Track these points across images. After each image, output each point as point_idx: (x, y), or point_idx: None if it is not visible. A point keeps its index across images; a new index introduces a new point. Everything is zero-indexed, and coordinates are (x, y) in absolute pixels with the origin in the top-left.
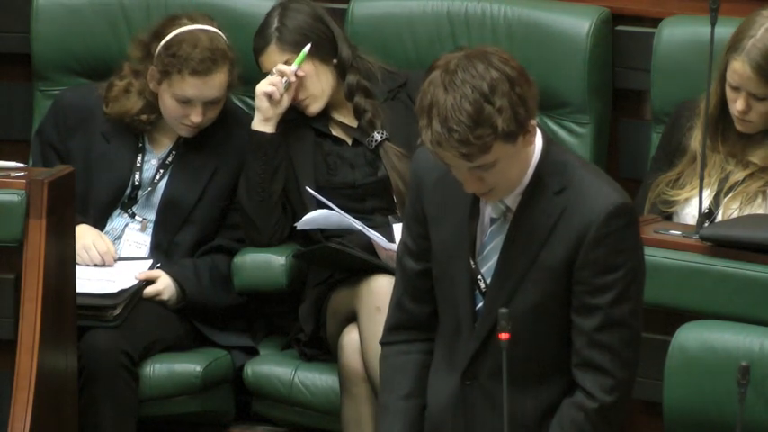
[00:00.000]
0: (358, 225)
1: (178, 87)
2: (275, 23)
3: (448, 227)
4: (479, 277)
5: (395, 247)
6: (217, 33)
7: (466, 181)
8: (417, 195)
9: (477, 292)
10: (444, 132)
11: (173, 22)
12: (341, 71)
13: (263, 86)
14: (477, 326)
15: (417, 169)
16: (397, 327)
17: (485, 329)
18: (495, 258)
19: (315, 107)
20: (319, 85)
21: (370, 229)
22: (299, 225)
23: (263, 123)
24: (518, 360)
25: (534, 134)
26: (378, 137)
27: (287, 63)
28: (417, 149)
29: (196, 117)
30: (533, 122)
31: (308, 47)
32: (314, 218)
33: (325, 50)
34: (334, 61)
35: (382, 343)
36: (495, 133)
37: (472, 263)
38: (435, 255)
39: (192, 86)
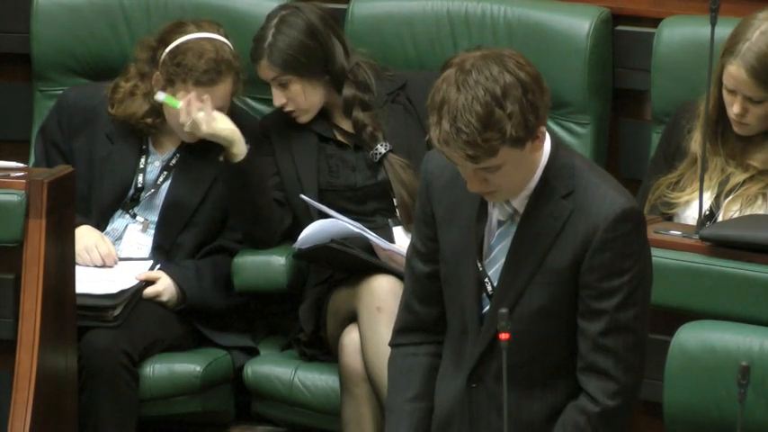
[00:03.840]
0: (355, 228)
1: (182, 97)
2: (269, 38)
3: (456, 229)
4: (486, 280)
5: (394, 247)
6: (222, 42)
7: (470, 180)
8: (427, 197)
9: (485, 294)
10: (453, 132)
11: (179, 28)
12: (335, 85)
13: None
14: (484, 328)
15: (427, 172)
16: (405, 329)
17: (491, 332)
18: (502, 261)
19: (304, 118)
20: (306, 102)
21: (367, 230)
22: (299, 245)
23: (236, 156)
24: (524, 363)
25: (543, 140)
26: (381, 149)
27: (274, 80)
28: (427, 153)
29: None
30: (543, 129)
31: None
32: (312, 233)
33: (314, 69)
34: (326, 77)
35: (390, 345)
36: (503, 138)
37: (479, 265)
38: (443, 257)
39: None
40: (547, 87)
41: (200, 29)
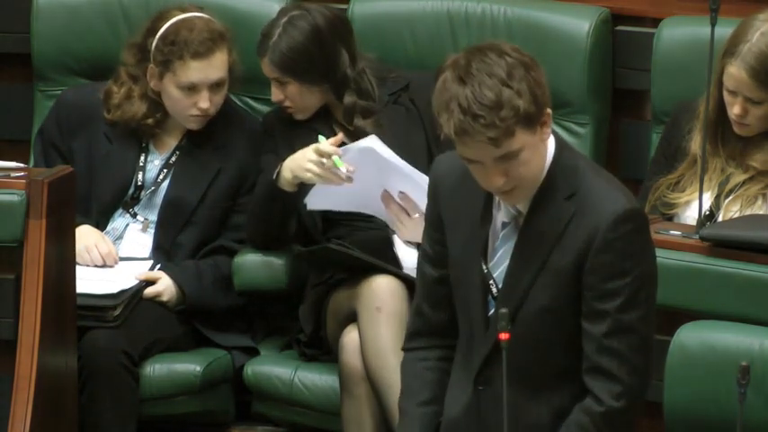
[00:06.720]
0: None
1: (182, 74)
2: (274, 37)
3: (462, 232)
4: (491, 282)
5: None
6: (209, 18)
7: (490, 175)
8: (434, 202)
9: (490, 296)
10: (469, 119)
11: (163, 15)
12: (336, 93)
13: (315, 175)
14: (489, 331)
15: (435, 176)
16: (417, 333)
17: (496, 334)
18: (506, 263)
19: (300, 116)
20: (301, 103)
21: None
22: (309, 206)
23: (292, 186)
24: (529, 364)
25: (549, 125)
26: None
27: (276, 80)
28: (436, 158)
29: (204, 102)
30: (549, 111)
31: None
32: (323, 195)
33: (313, 75)
34: (326, 85)
35: (403, 349)
36: (518, 116)
37: (484, 267)
38: (452, 260)
39: (195, 70)
40: (543, 69)
41: (184, 11)
